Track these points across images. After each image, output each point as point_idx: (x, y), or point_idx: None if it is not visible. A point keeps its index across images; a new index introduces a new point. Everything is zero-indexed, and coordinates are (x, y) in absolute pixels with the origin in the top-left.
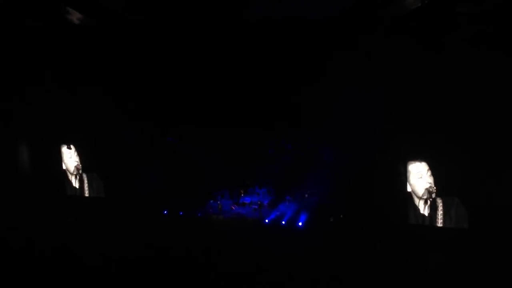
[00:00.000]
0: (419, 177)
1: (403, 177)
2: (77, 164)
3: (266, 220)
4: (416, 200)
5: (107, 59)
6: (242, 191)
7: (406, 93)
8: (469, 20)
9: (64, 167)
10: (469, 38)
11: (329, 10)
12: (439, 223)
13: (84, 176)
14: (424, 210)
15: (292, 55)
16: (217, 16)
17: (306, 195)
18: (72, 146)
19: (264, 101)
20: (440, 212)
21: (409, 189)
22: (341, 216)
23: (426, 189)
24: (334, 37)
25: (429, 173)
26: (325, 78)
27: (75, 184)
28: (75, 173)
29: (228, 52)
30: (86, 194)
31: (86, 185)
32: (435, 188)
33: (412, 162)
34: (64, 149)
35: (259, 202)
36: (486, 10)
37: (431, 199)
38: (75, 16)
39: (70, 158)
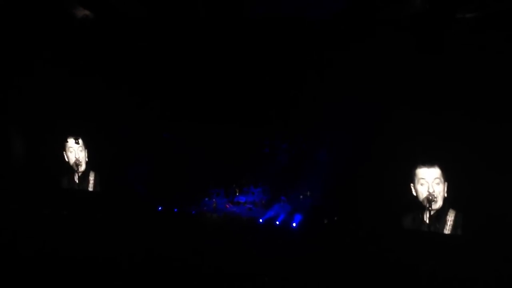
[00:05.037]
0: (421, 183)
1: (402, 181)
2: (81, 158)
3: (260, 220)
4: (415, 206)
5: (104, 53)
6: (237, 190)
7: (406, 94)
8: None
9: (68, 160)
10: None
11: (328, 10)
12: (439, 230)
13: (86, 170)
14: (422, 216)
15: (288, 54)
16: (216, 13)
17: (301, 196)
18: (79, 140)
19: (260, 100)
20: (440, 221)
21: (408, 193)
22: (335, 218)
23: (426, 197)
24: (332, 37)
25: (434, 180)
26: (321, 77)
27: (76, 178)
28: (78, 166)
29: (225, 50)
30: (90, 188)
31: (88, 179)
32: (435, 197)
33: (413, 166)
34: (70, 142)
35: (254, 202)
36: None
37: (430, 207)
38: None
39: (74, 151)
